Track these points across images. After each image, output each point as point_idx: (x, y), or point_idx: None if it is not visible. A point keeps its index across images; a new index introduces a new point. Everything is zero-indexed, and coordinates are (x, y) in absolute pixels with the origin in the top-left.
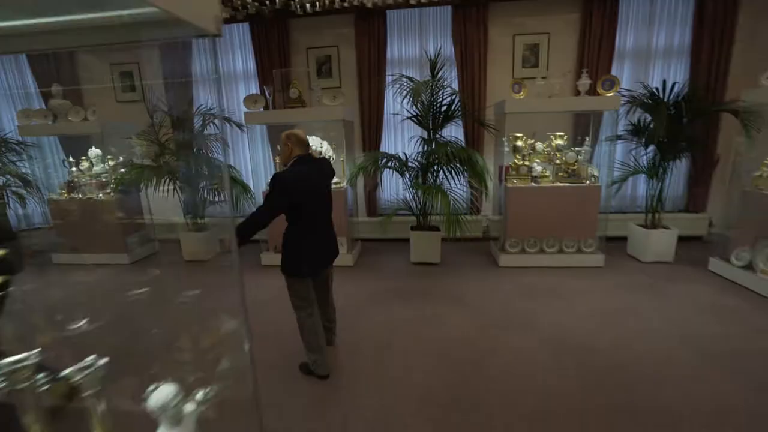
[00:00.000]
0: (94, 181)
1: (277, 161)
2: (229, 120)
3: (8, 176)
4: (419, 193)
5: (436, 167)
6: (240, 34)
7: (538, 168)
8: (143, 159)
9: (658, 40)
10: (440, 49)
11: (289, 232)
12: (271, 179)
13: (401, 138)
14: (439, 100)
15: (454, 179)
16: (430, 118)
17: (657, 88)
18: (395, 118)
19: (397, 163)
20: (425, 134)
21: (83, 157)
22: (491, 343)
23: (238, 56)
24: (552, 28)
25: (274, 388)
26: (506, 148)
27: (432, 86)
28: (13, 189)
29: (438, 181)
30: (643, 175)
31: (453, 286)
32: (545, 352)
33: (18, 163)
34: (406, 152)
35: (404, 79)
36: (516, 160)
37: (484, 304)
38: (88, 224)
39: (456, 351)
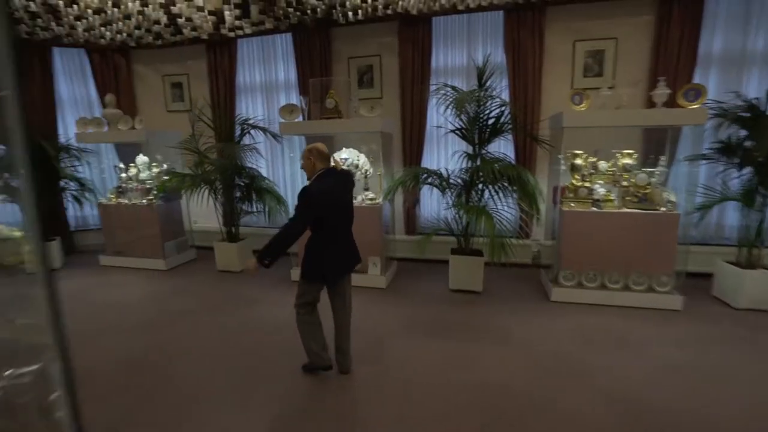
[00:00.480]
0: (139, 186)
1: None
2: (265, 130)
3: (68, 180)
4: (461, 213)
5: (480, 186)
6: (283, 44)
7: (600, 190)
8: (184, 167)
9: (755, 43)
10: (489, 55)
11: (312, 241)
12: (300, 193)
13: (444, 153)
14: (486, 112)
15: (501, 200)
16: (475, 131)
17: (757, 99)
18: (438, 131)
19: (438, 180)
20: (470, 149)
21: (131, 164)
22: (537, 395)
23: (281, 66)
24: (620, 32)
25: (285, 418)
26: (563, 167)
27: (479, 96)
28: (72, 192)
29: (483, 201)
30: (734, 203)
31: (495, 320)
32: (604, 414)
33: (79, 167)
34: (449, 168)
35: (447, 89)
36: (574, 181)
37: (531, 346)
38: (132, 229)
39: (493, 400)
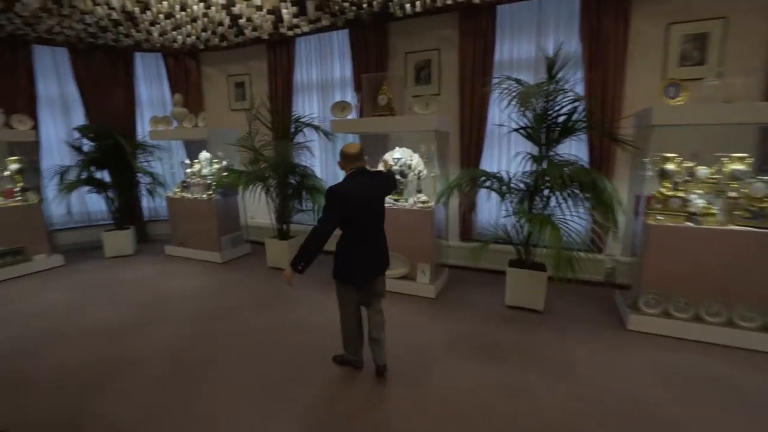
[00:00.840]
0: (201, 182)
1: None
2: (317, 128)
3: (142, 174)
4: (522, 221)
5: (546, 191)
6: (339, 40)
7: (698, 202)
8: (242, 164)
9: None
10: (562, 44)
11: (342, 241)
12: (326, 192)
13: (505, 154)
14: (555, 108)
15: (569, 208)
16: (542, 130)
17: None
18: (499, 130)
19: (497, 184)
20: (535, 150)
21: (196, 160)
22: None
23: (336, 64)
24: (731, 10)
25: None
26: (649, 173)
27: (547, 90)
28: (145, 185)
29: (548, 209)
30: None
31: (557, 346)
32: None
33: (153, 163)
34: (510, 171)
35: (510, 82)
36: (663, 189)
37: (598, 383)
38: (192, 222)
39: None
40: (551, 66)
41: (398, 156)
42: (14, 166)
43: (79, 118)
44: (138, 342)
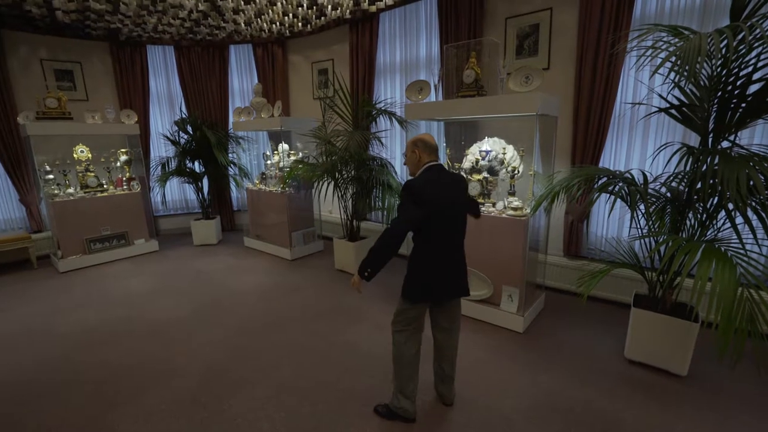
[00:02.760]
0: (278, 174)
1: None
2: (392, 115)
3: (229, 165)
4: (664, 244)
5: (711, 201)
6: (426, 11)
7: None
8: (317, 156)
9: None
10: None
11: (417, 252)
12: (403, 187)
13: (638, 147)
14: (738, 73)
15: (753, 230)
16: (713, 107)
17: None
18: (633, 112)
19: (625, 187)
20: (694, 140)
21: (275, 152)
22: None
23: (422, 39)
24: None
25: None
26: None
27: (728, 44)
28: (232, 176)
29: (713, 228)
30: None
31: None
32: None
33: (240, 153)
34: (646, 170)
35: (661, 34)
36: None
37: None
38: (267, 215)
39: None
40: (740, 4)
41: (487, 148)
42: (123, 158)
43: (181, 111)
44: (185, 347)
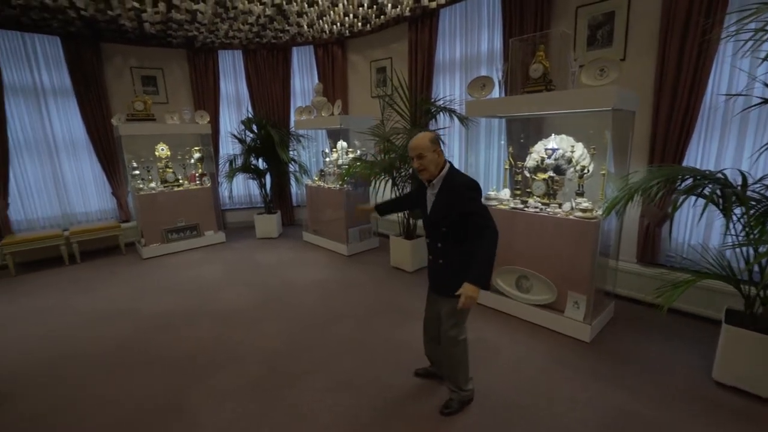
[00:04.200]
0: (336, 171)
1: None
2: (452, 112)
3: (289, 162)
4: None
5: None
6: (489, 3)
7: None
8: (376, 154)
9: None
10: None
11: (468, 251)
12: (474, 187)
13: (734, 144)
14: None
15: None
16: None
17: None
18: (728, 106)
19: (717, 190)
20: None
21: (334, 149)
22: None
23: (484, 33)
24: None
25: None
26: None
27: None
28: (292, 173)
29: None
30: None
31: None
32: None
33: (300, 151)
34: (745, 171)
35: None
36: None
37: None
38: (325, 211)
39: None
40: None
41: (553, 146)
42: (196, 155)
43: (248, 111)
44: (250, 334)
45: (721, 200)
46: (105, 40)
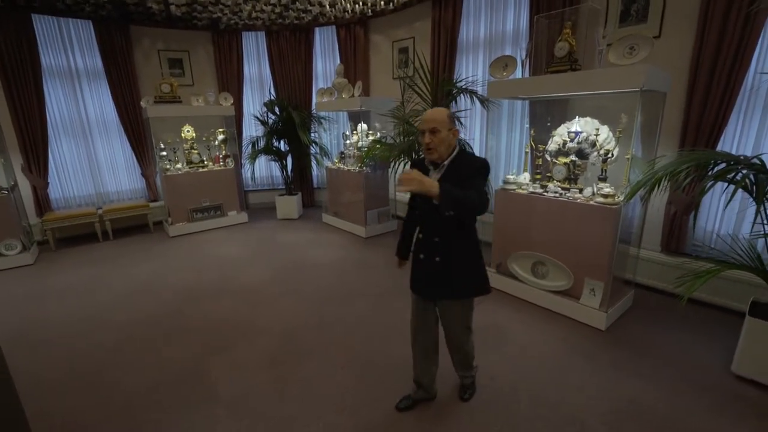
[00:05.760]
0: (355, 153)
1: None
2: (473, 93)
3: (310, 144)
4: None
5: None
6: None
7: None
8: (395, 136)
9: None
10: None
11: (473, 242)
12: (485, 166)
13: None
14: None
15: None
16: None
17: None
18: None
19: (751, 176)
20: None
21: (355, 131)
22: None
23: (510, 11)
24: None
25: None
26: None
27: None
28: (313, 155)
29: None
30: None
31: None
32: None
33: (322, 133)
34: None
35: None
36: None
37: None
38: (344, 193)
39: None
40: None
41: (577, 129)
42: (220, 137)
43: (270, 93)
44: (269, 310)
45: (754, 187)
46: (134, 22)
